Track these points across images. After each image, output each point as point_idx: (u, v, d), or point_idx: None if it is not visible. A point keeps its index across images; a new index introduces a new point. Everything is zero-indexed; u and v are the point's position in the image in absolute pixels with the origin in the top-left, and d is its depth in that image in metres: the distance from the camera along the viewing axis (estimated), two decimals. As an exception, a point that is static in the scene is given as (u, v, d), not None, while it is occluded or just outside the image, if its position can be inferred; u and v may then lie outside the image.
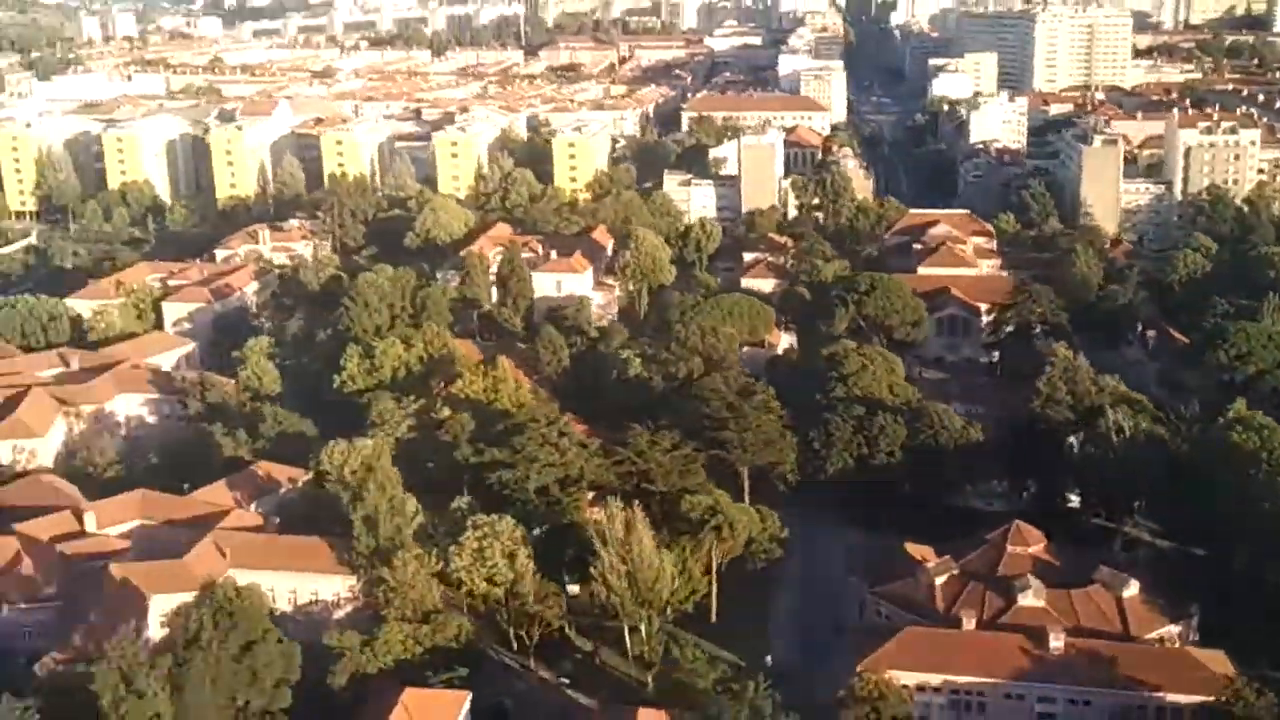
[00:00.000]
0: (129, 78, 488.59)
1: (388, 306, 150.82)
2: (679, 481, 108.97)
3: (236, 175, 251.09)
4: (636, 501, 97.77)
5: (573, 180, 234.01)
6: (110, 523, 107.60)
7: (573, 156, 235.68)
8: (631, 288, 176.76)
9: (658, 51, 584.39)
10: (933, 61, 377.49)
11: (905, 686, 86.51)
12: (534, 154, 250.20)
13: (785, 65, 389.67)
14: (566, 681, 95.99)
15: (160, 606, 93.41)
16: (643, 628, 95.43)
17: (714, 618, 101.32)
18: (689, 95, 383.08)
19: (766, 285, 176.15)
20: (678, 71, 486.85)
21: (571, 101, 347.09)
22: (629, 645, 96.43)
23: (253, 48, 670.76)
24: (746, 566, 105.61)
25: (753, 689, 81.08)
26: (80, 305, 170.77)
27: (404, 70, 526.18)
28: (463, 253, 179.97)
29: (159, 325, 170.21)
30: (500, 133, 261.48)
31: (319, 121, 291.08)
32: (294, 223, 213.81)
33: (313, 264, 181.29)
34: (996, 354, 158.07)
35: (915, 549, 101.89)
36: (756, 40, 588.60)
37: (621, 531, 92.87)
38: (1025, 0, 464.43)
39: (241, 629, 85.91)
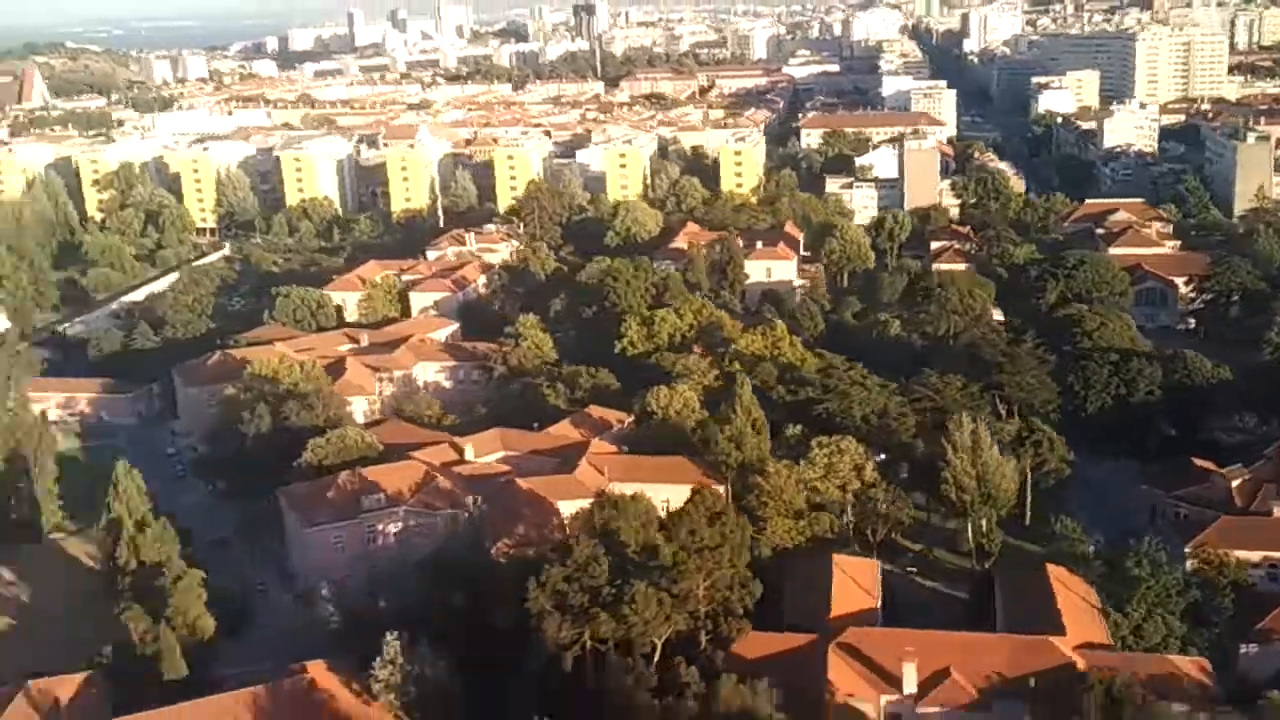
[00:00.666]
0: (230, 113, 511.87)
1: (640, 287, 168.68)
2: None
3: (411, 190, 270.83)
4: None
5: (739, 185, 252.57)
6: (482, 453, 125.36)
7: (739, 165, 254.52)
8: (836, 271, 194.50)
9: (738, 80, 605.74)
10: (1036, 79, 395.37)
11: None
12: (691, 164, 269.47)
13: (889, 86, 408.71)
14: (914, 570, 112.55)
15: (565, 510, 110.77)
16: (983, 523, 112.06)
17: (1026, 521, 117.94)
18: (798, 116, 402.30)
19: (958, 268, 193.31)
20: (770, 96, 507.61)
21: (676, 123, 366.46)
22: (969, 538, 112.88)
23: (333, 85, 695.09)
24: (1040, 485, 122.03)
25: (1147, 544, 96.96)
26: (334, 296, 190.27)
27: (498, 101, 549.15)
28: (684, 245, 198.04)
29: (405, 311, 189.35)
30: (657, 146, 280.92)
31: (469, 142, 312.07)
32: (491, 227, 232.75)
33: (537, 259, 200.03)
34: (1193, 321, 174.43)
35: (1201, 463, 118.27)
36: (834, 67, 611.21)
37: (969, 441, 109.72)
38: (1107, 20, 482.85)
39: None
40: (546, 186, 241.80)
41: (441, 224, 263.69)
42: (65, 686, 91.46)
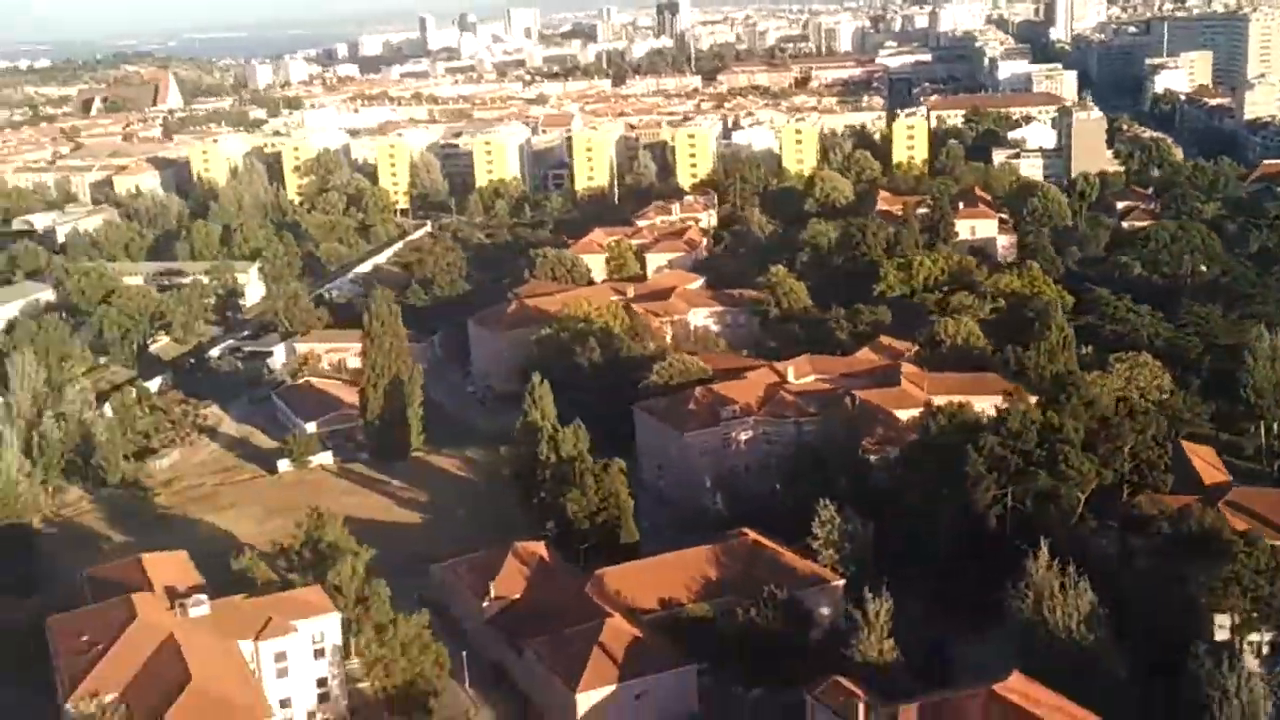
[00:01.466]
0: (356, 110, 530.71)
1: (881, 242, 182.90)
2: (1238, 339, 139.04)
3: (595, 169, 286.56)
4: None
5: (910, 157, 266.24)
6: (800, 376, 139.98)
7: (911, 139, 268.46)
8: (1032, 228, 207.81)
9: (832, 71, 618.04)
10: (1150, 61, 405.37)
11: None
12: (859, 141, 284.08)
13: (1005, 70, 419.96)
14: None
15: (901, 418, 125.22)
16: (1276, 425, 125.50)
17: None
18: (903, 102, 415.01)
19: (1145, 224, 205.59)
20: (872, 85, 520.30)
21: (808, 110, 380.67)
22: (1260, 442, 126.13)
23: (441, 83, 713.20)
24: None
25: None
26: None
27: (607, 94, 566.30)
28: (887, 208, 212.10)
29: (643, 269, 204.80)
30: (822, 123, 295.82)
31: (632, 127, 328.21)
32: (689, 199, 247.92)
33: (755, 222, 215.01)
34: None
35: None
36: (926, 57, 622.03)
37: (1268, 351, 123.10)
38: (1207, 4, 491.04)
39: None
40: (747, 159, 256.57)
41: (617, 200, 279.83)
42: (533, 549, 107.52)
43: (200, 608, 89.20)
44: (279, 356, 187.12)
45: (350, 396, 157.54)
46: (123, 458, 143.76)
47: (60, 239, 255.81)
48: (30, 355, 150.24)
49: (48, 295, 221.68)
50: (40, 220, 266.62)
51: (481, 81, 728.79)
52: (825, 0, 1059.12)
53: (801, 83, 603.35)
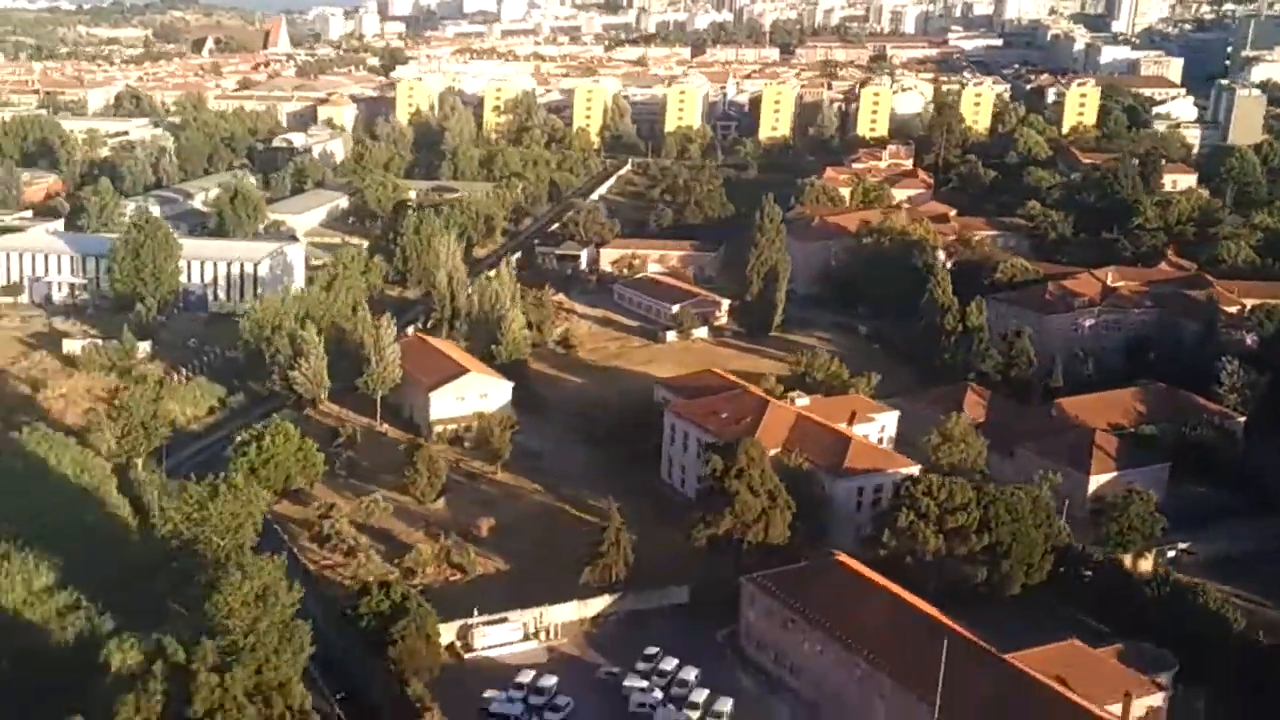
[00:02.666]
0: (466, 62, 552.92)
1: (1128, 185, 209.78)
2: None
3: (780, 121, 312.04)
4: None
5: (1079, 122, 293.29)
6: (1113, 281, 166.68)
7: (1082, 103, 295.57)
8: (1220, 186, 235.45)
9: (907, 50, 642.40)
10: (1246, 53, 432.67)
11: None
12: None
13: (1107, 54, 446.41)
14: None
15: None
16: None
17: None
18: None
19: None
20: (965, 64, 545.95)
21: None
22: None
23: (511, 43, 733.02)
24: None
25: None
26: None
27: (708, 62, 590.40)
28: (1088, 161, 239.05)
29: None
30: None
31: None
32: (892, 147, 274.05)
33: (978, 165, 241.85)
34: None
35: None
36: (996, 42, 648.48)
37: None
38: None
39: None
40: (948, 112, 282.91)
41: (798, 147, 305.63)
42: (979, 389, 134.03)
43: (803, 399, 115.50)
44: (584, 259, 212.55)
45: (689, 287, 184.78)
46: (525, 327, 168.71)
47: (314, 156, 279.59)
48: (452, 238, 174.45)
49: (343, 202, 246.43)
50: (296, 140, 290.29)
51: (557, 43, 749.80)
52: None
53: (877, 59, 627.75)
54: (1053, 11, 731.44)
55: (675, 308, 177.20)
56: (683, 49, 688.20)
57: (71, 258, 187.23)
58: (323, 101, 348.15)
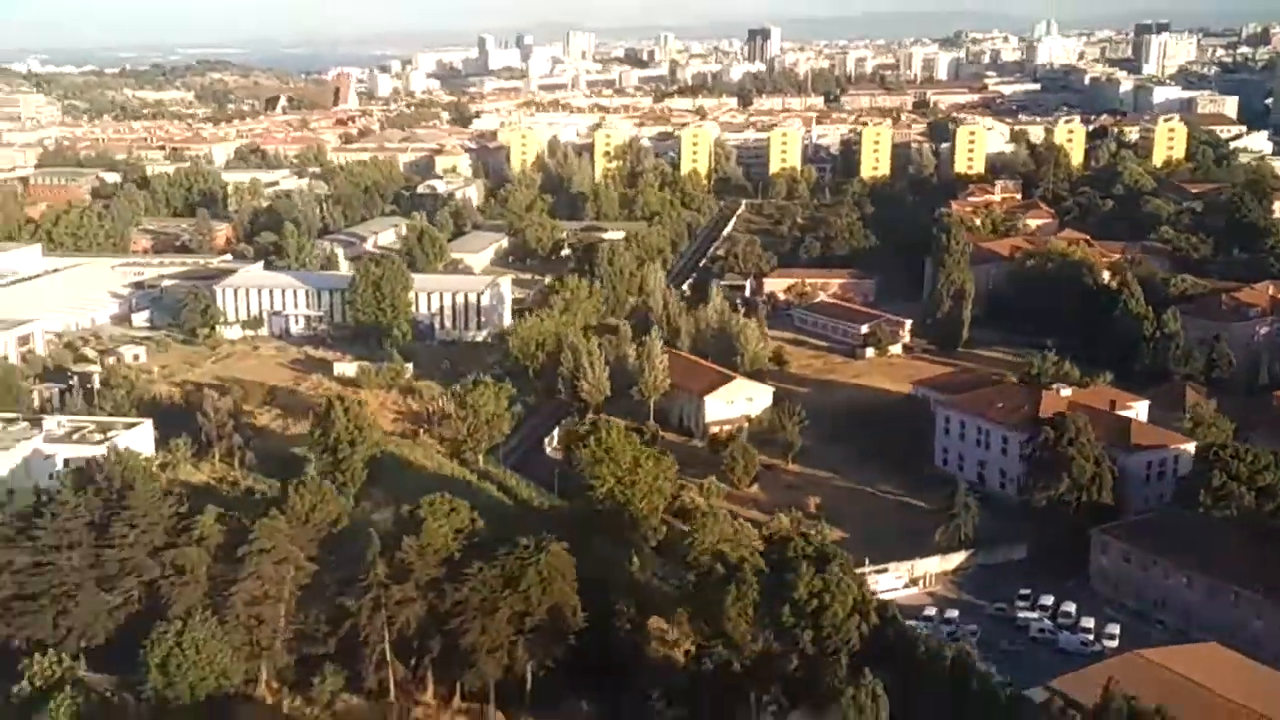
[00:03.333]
0: (532, 114, 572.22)
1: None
2: None
3: (880, 160, 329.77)
4: None
5: (1170, 156, 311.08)
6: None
7: (1171, 139, 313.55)
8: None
9: (948, 97, 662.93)
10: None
11: None
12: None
13: (1159, 95, 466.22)
14: None
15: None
16: None
17: None
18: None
19: None
20: (1011, 107, 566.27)
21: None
22: None
23: (575, 97, 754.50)
24: None
25: None
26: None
27: (761, 110, 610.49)
28: (1200, 190, 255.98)
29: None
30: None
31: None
32: (1001, 182, 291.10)
33: (1097, 196, 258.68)
34: None
35: None
36: (1035, 86, 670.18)
37: None
38: None
39: None
40: (1061, 151, 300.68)
41: (896, 186, 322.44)
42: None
43: (1065, 390, 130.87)
44: (748, 288, 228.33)
45: (865, 310, 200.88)
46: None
47: (456, 202, 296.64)
48: (659, 269, 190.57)
49: (504, 242, 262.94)
50: (439, 186, 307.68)
51: (612, 97, 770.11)
52: (890, 32, 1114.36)
53: (920, 105, 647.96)
54: (1082, 56, 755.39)
55: (864, 328, 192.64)
56: (729, 99, 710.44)
57: (307, 292, 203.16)
58: (437, 152, 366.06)
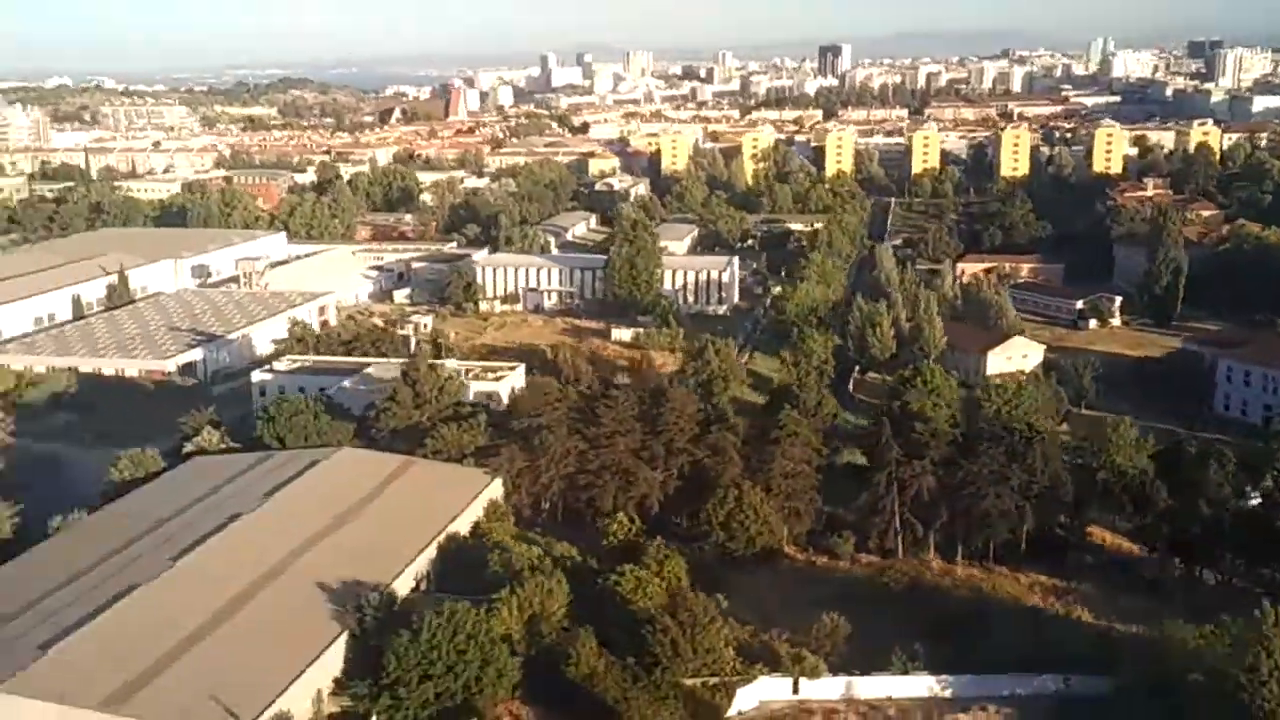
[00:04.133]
0: (636, 126, 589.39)
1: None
2: None
3: (1020, 160, 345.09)
4: None
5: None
6: None
7: None
8: None
9: (1031, 108, 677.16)
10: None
11: None
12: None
13: (1259, 104, 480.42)
14: None
15: None
16: None
17: None
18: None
19: None
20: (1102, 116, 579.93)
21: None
22: None
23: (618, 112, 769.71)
24: None
25: None
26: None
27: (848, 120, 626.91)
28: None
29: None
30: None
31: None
32: (1149, 179, 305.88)
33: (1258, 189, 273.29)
34: None
35: None
36: (1115, 98, 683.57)
37: None
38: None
39: None
40: (1203, 155, 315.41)
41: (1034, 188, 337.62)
42: None
43: None
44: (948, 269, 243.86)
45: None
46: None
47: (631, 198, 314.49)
48: (890, 251, 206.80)
49: (694, 231, 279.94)
50: (615, 184, 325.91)
51: (692, 108, 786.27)
52: (918, 51, 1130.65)
53: (1004, 117, 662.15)
54: (1155, 70, 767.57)
55: (1079, 303, 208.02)
56: (813, 111, 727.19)
57: (560, 270, 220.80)
58: (589, 155, 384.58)
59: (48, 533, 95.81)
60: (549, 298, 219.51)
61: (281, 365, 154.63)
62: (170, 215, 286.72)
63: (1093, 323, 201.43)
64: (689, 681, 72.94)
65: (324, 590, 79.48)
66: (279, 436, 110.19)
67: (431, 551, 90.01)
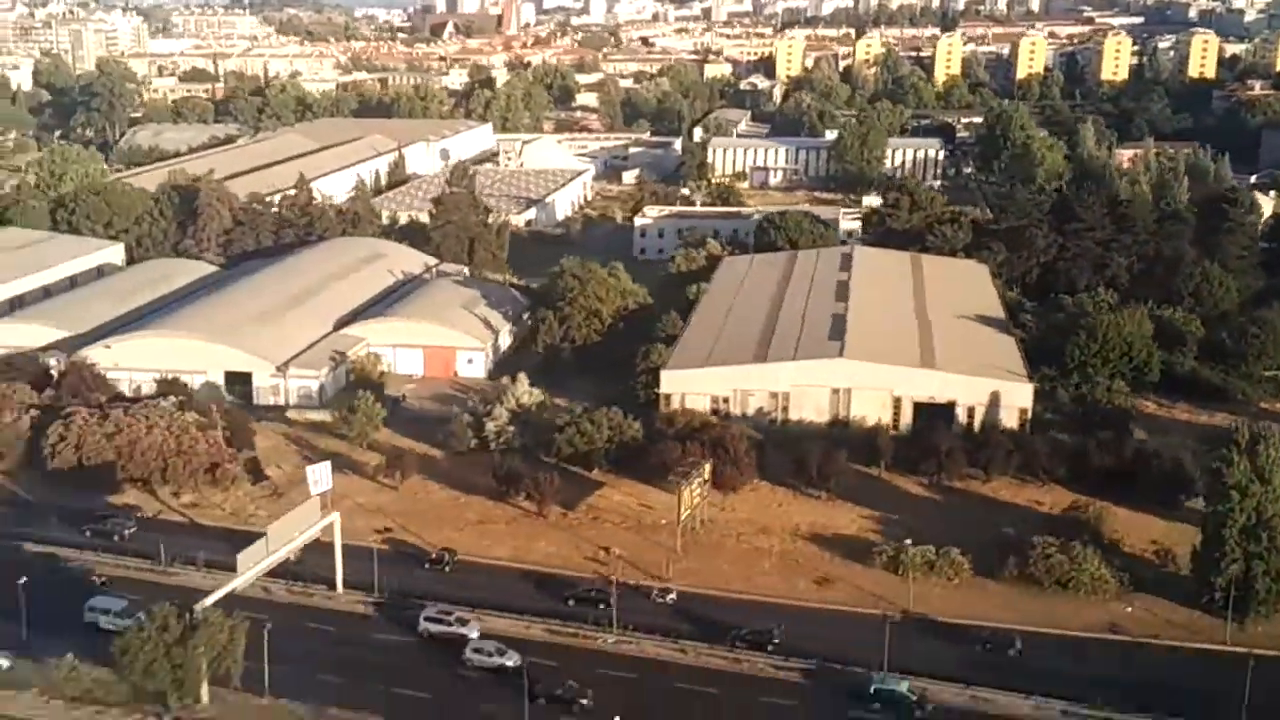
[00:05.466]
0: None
1: None
2: None
3: (1120, 65, 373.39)
4: None
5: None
6: None
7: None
8: None
9: (1063, 28, 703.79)
10: None
11: None
12: None
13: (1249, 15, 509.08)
14: None
15: None
16: None
17: None
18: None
19: None
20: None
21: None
22: None
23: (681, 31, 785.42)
24: None
25: None
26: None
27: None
28: None
29: None
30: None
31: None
32: (1251, 80, 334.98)
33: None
34: None
35: None
36: (1138, 19, 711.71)
37: None
38: None
39: None
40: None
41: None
42: None
43: None
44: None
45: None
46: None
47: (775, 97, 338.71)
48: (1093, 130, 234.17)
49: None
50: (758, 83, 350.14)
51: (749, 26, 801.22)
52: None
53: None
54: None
55: (1252, 177, 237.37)
56: (848, 29, 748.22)
57: (786, 149, 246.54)
58: (704, 60, 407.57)
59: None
60: (774, 175, 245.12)
61: (649, 216, 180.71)
62: (365, 109, 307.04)
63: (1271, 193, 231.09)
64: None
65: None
66: (791, 240, 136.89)
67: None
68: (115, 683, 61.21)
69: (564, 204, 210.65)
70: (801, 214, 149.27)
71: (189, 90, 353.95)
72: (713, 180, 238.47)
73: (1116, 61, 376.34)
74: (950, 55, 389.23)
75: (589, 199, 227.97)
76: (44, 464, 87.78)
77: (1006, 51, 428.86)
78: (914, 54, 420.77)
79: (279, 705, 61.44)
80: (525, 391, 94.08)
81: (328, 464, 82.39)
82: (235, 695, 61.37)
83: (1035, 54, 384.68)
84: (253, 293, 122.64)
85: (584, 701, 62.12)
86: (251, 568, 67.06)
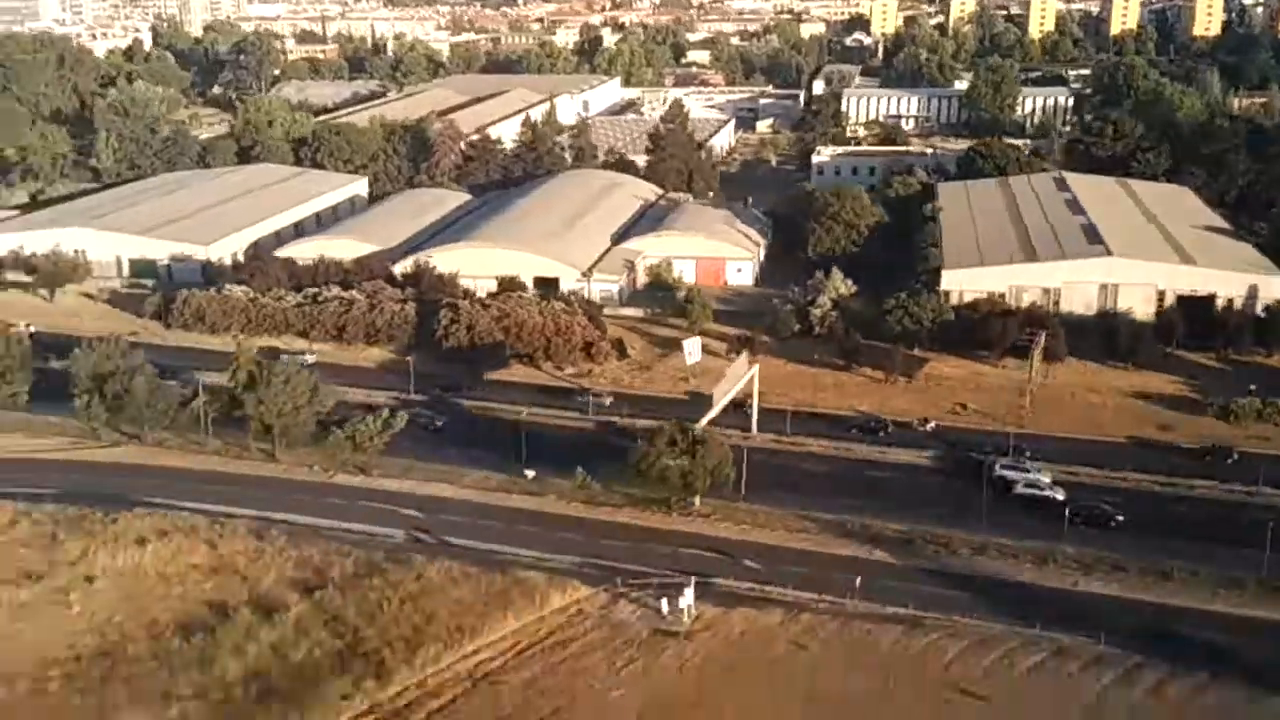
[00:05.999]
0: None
1: None
2: None
3: (1212, 20, 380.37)
4: None
5: None
6: None
7: None
8: None
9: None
10: None
11: None
12: None
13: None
14: None
15: None
16: None
17: None
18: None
19: None
20: None
21: None
22: None
23: None
24: None
25: None
26: None
27: None
28: None
29: None
30: None
31: None
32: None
33: None
34: None
35: None
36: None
37: None
38: None
39: None
40: None
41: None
42: None
43: None
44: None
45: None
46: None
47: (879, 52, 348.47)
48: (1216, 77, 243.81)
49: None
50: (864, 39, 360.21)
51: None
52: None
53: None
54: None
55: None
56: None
57: (918, 98, 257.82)
58: (799, 20, 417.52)
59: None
60: (907, 123, 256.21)
61: (824, 154, 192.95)
62: (493, 66, 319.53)
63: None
64: None
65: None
66: (999, 168, 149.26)
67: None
68: (622, 489, 74.87)
69: (718, 148, 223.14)
70: (1006, 144, 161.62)
71: (307, 51, 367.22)
72: (845, 128, 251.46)
73: (1209, 16, 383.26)
74: (1044, 12, 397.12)
75: (733, 145, 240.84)
76: (433, 345, 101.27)
77: (1096, 9, 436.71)
78: (1005, 11, 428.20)
79: (756, 510, 74.75)
80: (841, 283, 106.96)
81: (698, 339, 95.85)
82: (719, 503, 74.74)
83: (1129, 10, 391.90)
84: (529, 214, 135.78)
85: (1120, 518, 74.09)
86: (721, 399, 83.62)
